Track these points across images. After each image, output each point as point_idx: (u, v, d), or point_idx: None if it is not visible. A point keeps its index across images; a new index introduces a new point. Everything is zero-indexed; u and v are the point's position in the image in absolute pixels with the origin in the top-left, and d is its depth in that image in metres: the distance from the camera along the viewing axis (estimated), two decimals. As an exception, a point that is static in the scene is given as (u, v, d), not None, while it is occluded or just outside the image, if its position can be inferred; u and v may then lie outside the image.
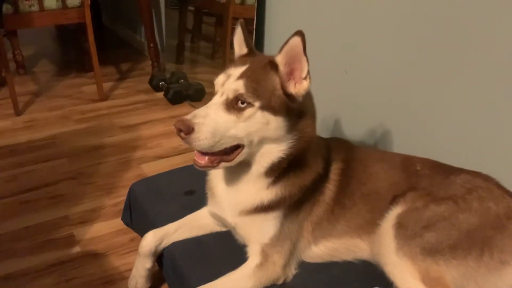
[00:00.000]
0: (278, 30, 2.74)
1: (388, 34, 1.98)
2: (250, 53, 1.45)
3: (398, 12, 1.91)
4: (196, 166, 1.36)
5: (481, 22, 1.60)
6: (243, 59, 1.42)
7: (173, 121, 3.32)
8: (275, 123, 1.32)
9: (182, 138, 1.26)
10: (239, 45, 1.48)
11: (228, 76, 1.33)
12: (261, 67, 1.34)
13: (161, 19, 4.09)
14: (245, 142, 1.32)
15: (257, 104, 1.29)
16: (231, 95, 1.29)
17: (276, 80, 1.33)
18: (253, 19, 2.79)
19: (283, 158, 1.37)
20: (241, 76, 1.31)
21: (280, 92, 1.32)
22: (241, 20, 1.48)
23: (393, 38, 1.96)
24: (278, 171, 1.40)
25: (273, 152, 1.37)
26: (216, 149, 1.29)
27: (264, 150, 1.37)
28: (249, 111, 1.29)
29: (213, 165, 1.34)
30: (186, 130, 1.24)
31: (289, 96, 1.33)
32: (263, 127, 1.31)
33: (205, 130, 1.25)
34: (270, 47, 2.80)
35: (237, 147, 1.33)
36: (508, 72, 1.55)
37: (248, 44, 1.46)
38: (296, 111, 1.35)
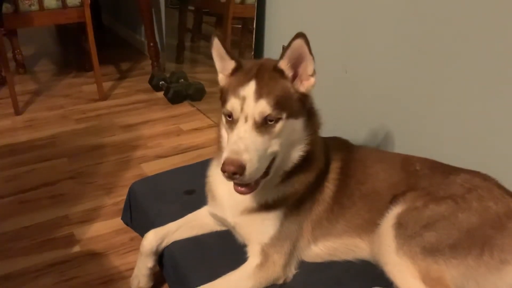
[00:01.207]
0: (278, 29, 2.73)
1: (388, 34, 1.98)
2: (239, 66, 1.39)
3: (398, 12, 1.91)
4: (241, 194, 1.31)
5: (482, 22, 1.60)
6: (240, 74, 1.36)
7: (173, 121, 3.29)
8: (298, 126, 1.34)
9: (235, 179, 1.22)
10: (221, 59, 1.41)
11: (243, 99, 1.28)
12: (270, 79, 1.31)
13: (161, 19, 4.09)
14: (279, 153, 1.32)
15: (284, 116, 1.29)
16: (258, 118, 1.26)
17: (288, 85, 1.33)
18: (253, 19, 2.79)
19: (302, 156, 1.39)
20: (259, 96, 1.27)
21: (295, 95, 1.33)
22: (216, 32, 1.45)
23: (393, 38, 1.96)
24: (291, 170, 1.41)
25: (294, 154, 1.38)
26: (262, 172, 1.28)
27: (288, 154, 1.37)
28: (279, 126, 1.28)
29: (257, 187, 1.32)
30: (241, 170, 1.20)
31: (302, 95, 1.35)
32: (291, 134, 1.32)
33: (254, 161, 1.22)
34: (270, 46, 2.80)
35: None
36: (508, 72, 1.55)
37: (233, 57, 1.39)
38: (308, 107, 1.38)
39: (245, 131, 1.25)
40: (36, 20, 3.28)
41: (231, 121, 1.30)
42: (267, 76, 1.32)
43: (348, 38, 2.19)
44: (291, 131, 1.32)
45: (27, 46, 4.43)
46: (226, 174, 1.21)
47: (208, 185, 1.59)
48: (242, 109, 1.27)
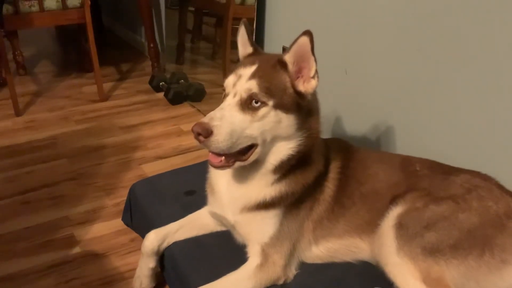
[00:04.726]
0: (278, 30, 2.73)
1: (388, 34, 1.98)
2: (255, 52, 1.47)
3: (398, 12, 1.91)
4: (211, 166, 1.36)
5: (481, 22, 1.60)
6: (250, 58, 1.42)
7: (174, 122, 3.30)
8: (287, 121, 1.34)
9: (201, 142, 1.26)
10: (243, 45, 1.49)
11: (239, 77, 1.33)
12: (271, 66, 1.35)
13: (161, 20, 4.09)
14: (259, 141, 1.33)
15: (270, 103, 1.30)
16: (244, 95, 1.30)
17: (286, 79, 1.35)
18: (253, 19, 2.79)
19: (292, 155, 1.39)
20: (252, 76, 1.32)
21: (291, 90, 1.34)
22: (244, 19, 1.49)
23: (393, 38, 1.96)
24: (286, 168, 1.41)
25: (283, 150, 1.38)
26: (233, 150, 1.29)
27: (274, 148, 1.38)
28: (263, 110, 1.30)
29: (229, 165, 1.34)
30: (205, 133, 1.24)
31: (299, 94, 1.35)
32: (276, 126, 1.33)
33: (223, 132, 1.25)
34: (270, 47, 2.80)
35: (251, 147, 1.34)
36: (508, 72, 1.55)
37: (252, 44, 1.48)
38: (305, 108, 1.37)
39: (228, 104, 1.30)
40: (36, 21, 3.27)
41: (224, 96, 1.35)
42: (270, 64, 1.36)
43: (348, 39, 2.19)
44: (276, 123, 1.32)
45: (27, 47, 4.43)
46: (193, 134, 1.26)
47: (208, 181, 1.60)
48: (234, 85, 1.32)
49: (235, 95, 1.31)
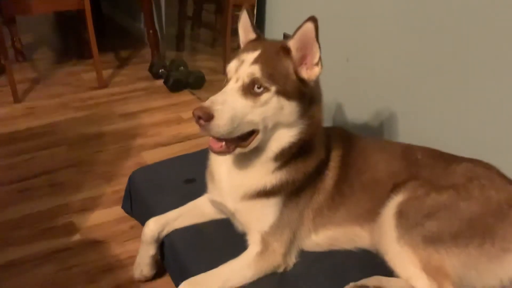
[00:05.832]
0: (279, 17, 2.71)
1: (389, 22, 1.96)
2: (258, 38, 1.46)
3: (399, 1, 1.89)
4: (212, 151, 1.35)
5: (484, 14, 1.59)
6: (253, 44, 1.41)
7: (173, 109, 3.27)
8: (289, 108, 1.33)
9: (201, 126, 1.25)
10: (245, 31, 1.48)
11: (242, 62, 1.32)
12: (274, 52, 1.34)
13: (161, 6, 4.06)
14: (260, 128, 1.32)
15: (273, 88, 1.29)
16: (247, 80, 1.29)
17: (289, 65, 1.34)
18: (254, 6, 2.76)
19: (293, 143, 1.38)
20: (255, 61, 1.31)
21: (293, 77, 1.33)
22: (247, 5, 1.47)
23: (394, 26, 1.94)
24: (287, 156, 1.40)
25: (284, 138, 1.37)
26: (234, 135, 1.29)
27: (276, 136, 1.37)
28: (265, 96, 1.29)
29: (229, 151, 1.33)
30: (206, 117, 1.23)
31: (301, 81, 1.34)
32: (277, 112, 1.32)
33: (224, 117, 1.24)
34: (271, 34, 2.78)
35: (252, 133, 1.33)
36: (509, 65, 1.54)
37: (255, 30, 1.46)
38: (307, 96, 1.36)
39: (231, 89, 1.30)
40: (34, 8, 3.25)
41: (226, 81, 1.34)
42: (273, 50, 1.34)
43: (350, 27, 2.17)
44: (278, 109, 1.31)
45: (26, 34, 4.40)
46: (194, 118, 1.25)
47: (209, 168, 1.59)
48: (237, 70, 1.32)
49: (237, 80, 1.30)
